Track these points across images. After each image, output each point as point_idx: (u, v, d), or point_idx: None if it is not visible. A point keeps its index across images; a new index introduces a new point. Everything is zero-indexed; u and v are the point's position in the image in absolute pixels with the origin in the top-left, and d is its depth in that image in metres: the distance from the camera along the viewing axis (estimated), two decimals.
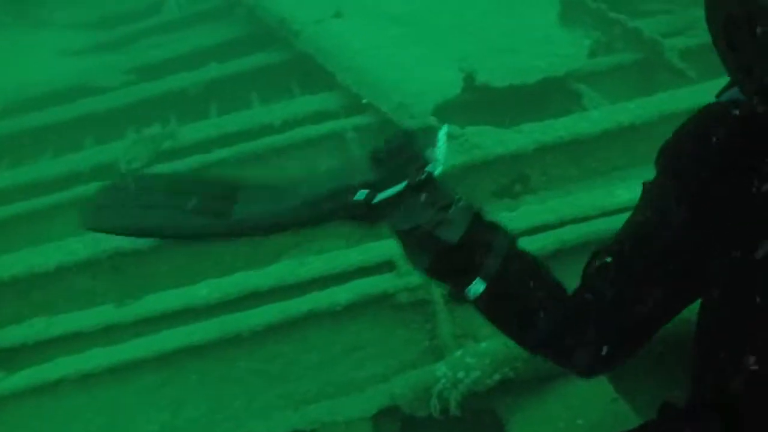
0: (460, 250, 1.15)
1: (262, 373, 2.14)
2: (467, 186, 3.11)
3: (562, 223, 2.40)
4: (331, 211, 1.15)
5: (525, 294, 1.22)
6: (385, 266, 2.29)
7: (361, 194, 1.13)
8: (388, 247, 2.29)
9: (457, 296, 1.22)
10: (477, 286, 1.17)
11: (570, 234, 2.29)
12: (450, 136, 3.20)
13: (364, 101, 3.58)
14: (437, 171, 1.18)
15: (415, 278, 2.16)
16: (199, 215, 1.19)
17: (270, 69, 4.28)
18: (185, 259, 2.84)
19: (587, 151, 3.13)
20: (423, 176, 1.15)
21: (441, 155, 1.19)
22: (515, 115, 3.56)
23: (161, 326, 2.17)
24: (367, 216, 1.15)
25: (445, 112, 3.41)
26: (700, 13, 3.68)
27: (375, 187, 1.14)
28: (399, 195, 1.14)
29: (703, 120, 1.24)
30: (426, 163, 1.17)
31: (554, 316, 1.22)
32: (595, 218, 2.42)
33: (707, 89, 3.30)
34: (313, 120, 3.69)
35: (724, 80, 3.30)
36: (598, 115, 3.15)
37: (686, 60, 3.82)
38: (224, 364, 2.11)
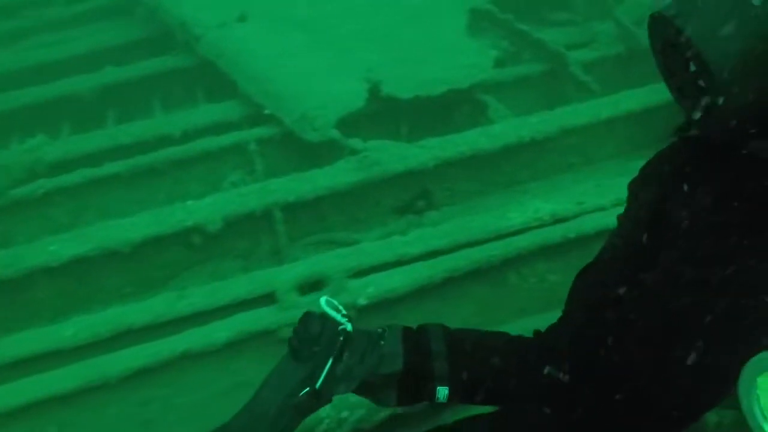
0: (409, 374, 1.22)
1: (134, 418, 1.97)
2: (369, 203, 3.02)
3: (455, 248, 2.33)
4: (290, 420, 1.20)
5: (487, 370, 1.24)
6: (268, 298, 2.17)
7: (303, 392, 1.20)
8: (271, 277, 2.16)
9: (436, 406, 1.29)
10: (442, 392, 1.23)
11: (461, 260, 2.22)
12: (352, 151, 3.14)
13: (266, 112, 3.42)
14: (349, 327, 1.24)
15: (297, 312, 2.05)
16: None
17: (173, 74, 4.03)
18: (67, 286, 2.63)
19: (489, 166, 3.09)
20: (341, 340, 1.21)
21: (341, 317, 1.25)
22: (421, 127, 3.50)
23: (19, 373, 1.96)
24: (320, 401, 1.21)
25: (349, 124, 3.29)
26: (601, 26, 3.70)
27: (310, 379, 1.20)
28: (332, 370, 1.20)
29: (670, 146, 1.26)
30: (336, 329, 1.23)
31: (523, 373, 1.25)
32: (489, 241, 2.37)
33: (605, 104, 3.38)
34: (215, 130, 3.50)
35: (624, 93, 3.26)
36: (500, 130, 3.11)
37: (589, 72, 3.85)
38: (92, 413, 1.93)
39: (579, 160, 3.34)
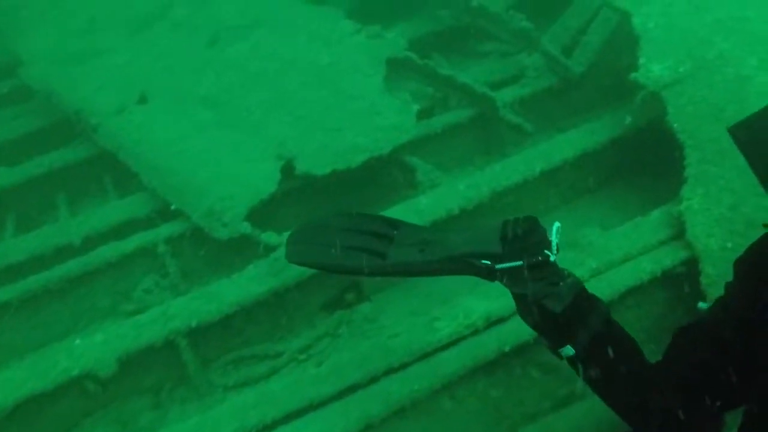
0: (560, 319, 1.41)
1: None
2: (291, 306, 2.63)
3: (374, 379, 1.94)
4: (463, 267, 1.50)
5: (608, 366, 1.42)
6: None
7: (486, 261, 1.46)
8: None
9: (553, 352, 1.48)
10: (567, 351, 1.43)
11: (380, 402, 1.83)
12: (266, 247, 2.74)
13: (172, 207, 3.01)
14: (552, 258, 1.47)
15: None
16: (364, 253, 1.57)
17: (77, 167, 3.59)
18: None
19: None
20: (539, 259, 1.45)
21: (555, 247, 1.49)
22: (343, 202, 3.12)
23: None
24: (488, 277, 1.50)
25: (263, 212, 2.90)
26: (529, 59, 3.32)
27: (498, 259, 1.47)
28: (514, 269, 1.45)
29: None
30: (541, 251, 1.46)
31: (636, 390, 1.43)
32: (415, 363, 1.98)
33: (538, 155, 3.02)
34: (122, 231, 3.07)
35: (557, 139, 2.93)
36: (426, 203, 2.74)
37: (522, 109, 3.50)
38: None
39: None
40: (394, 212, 2.72)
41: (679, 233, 2.30)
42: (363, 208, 3.14)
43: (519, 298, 1.46)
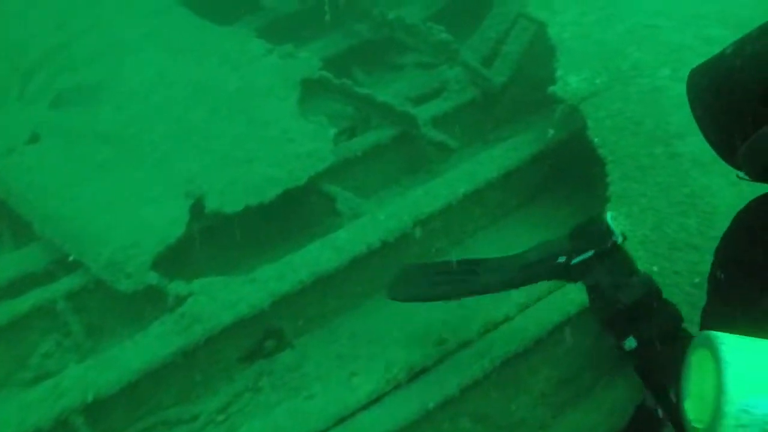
0: (627, 311, 1.47)
1: None
2: (204, 363, 2.39)
3: None
4: (543, 272, 1.70)
5: (667, 366, 1.37)
6: None
7: (561, 258, 1.63)
8: None
9: (616, 347, 1.50)
10: (630, 343, 1.46)
11: None
12: (176, 298, 2.49)
13: (71, 258, 2.72)
14: (619, 240, 1.60)
15: None
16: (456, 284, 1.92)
17: None
18: None
19: (340, 284, 2.52)
20: (608, 245, 1.58)
21: (617, 231, 1.61)
22: (260, 238, 2.90)
23: None
24: (567, 275, 1.64)
25: (171, 257, 2.65)
26: (450, 72, 3.16)
27: (572, 254, 1.62)
28: (589, 259, 1.58)
29: None
30: (608, 237, 1.60)
31: None
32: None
33: (461, 177, 2.87)
34: (14, 289, 2.76)
35: (481, 157, 2.87)
36: (345, 239, 2.54)
37: (445, 126, 3.36)
38: None
39: (446, 242, 2.84)
40: (312, 249, 2.53)
41: None
42: (282, 242, 2.94)
43: (592, 290, 1.54)
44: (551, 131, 2.88)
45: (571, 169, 2.96)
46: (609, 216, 1.64)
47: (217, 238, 2.88)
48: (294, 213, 3.02)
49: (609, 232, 1.58)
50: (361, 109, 3.47)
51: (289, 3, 4.15)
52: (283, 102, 3.20)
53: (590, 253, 1.56)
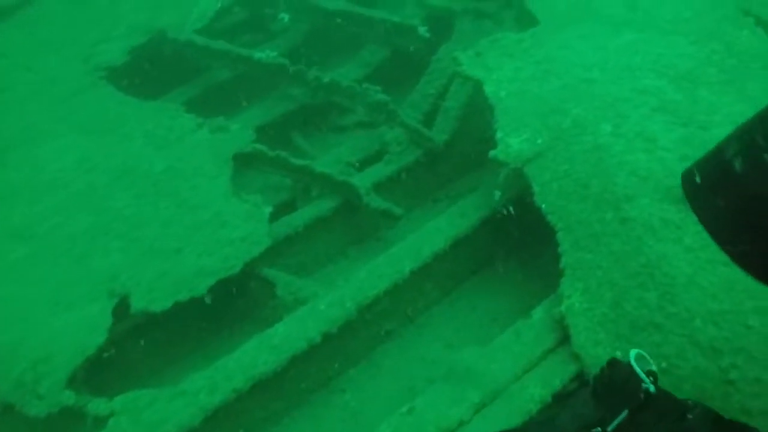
0: None
1: None
2: None
3: None
4: None
5: None
6: None
7: (594, 430, 1.35)
8: None
9: None
10: None
11: None
12: (96, 420, 2.19)
13: None
14: (651, 389, 1.36)
15: None
16: None
17: None
18: None
19: (279, 386, 2.26)
20: (641, 398, 1.34)
21: (648, 379, 1.38)
22: (195, 332, 2.64)
23: None
24: None
25: (93, 371, 2.35)
26: (391, 133, 2.95)
27: (605, 419, 1.34)
28: (625, 422, 1.33)
29: None
30: (638, 387, 1.36)
31: None
32: None
33: (405, 253, 2.60)
34: None
35: (427, 228, 2.68)
36: (283, 334, 2.29)
37: (389, 192, 3.17)
38: None
39: (396, 323, 2.61)
40: (247, 350, 2.26)
41: (564, 337, 1.99)
42: (216, 336, 2.68)
43: None
44: (498, 193, 2.71)
45: (524, 229, 2.80)
46: (633, 356, 1.41)
47: (147, 337, 2.60)
48: (232, 301, 2.77)
49: (637, 379, 1.36)
50: (300, 180, 3.26)
51: (222, 70, 3.97)
52: (215, 181, 2.97)
53: (624, 413, 1.33)
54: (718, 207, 1.21)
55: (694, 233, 1.98)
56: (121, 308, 2.48)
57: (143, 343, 2.57)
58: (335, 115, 3.93)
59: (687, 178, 1.33)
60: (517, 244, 2.86)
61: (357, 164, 3.43)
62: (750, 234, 1.16)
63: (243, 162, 3.15)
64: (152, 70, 3.91)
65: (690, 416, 1.31)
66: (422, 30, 3.89)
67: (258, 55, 3.76)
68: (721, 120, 2.38)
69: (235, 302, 2.74)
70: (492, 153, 2.50)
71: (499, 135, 2.54)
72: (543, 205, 2.28)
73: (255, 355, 2.22)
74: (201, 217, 2.79)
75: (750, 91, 2.50)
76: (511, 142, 2.49)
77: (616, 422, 1.33)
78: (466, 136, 3.37)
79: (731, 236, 1.20)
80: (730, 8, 3.00)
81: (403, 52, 3.99)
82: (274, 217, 2.99)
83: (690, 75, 2.61)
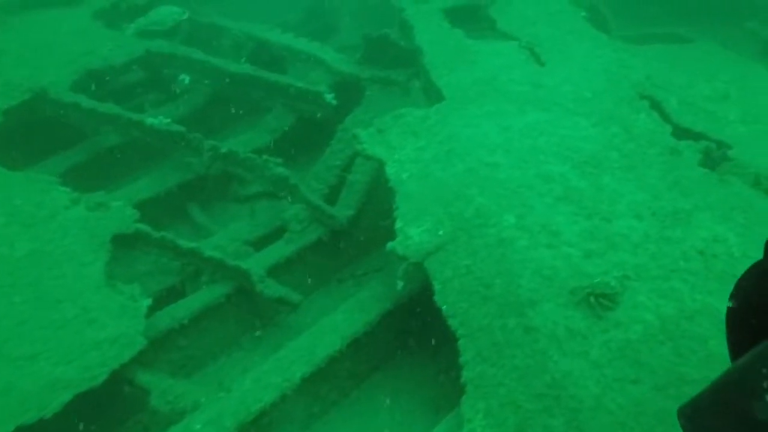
0: None
1: None
2: None
3: None
4: None
5: None
6: None
7: None
8: None
9: None
10: None
11: None
12: None
13: None
14: None
15: None
16: None
17: None
18: None
19: None
20: None
21: None
22: None
23: None
24: None
25: None
26: (292, 210, 2.38)
27: None
28: None
29: None
30: None
31: None
32: None
33: (296, 355, 2.08)
34: None
35: (319, 326, 2.34)
36: None
37: (287, 275, 2.89)
38: None
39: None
40: None
41: None
42: None
43: None
44: (400, 283, 2.47)
45: (433, 314, 2.57)
46: None
47: None
48: (102, 409, 2.36)
49: None
50: (191, 262, 2.91)
51: (110, 135, 3.59)
52: (87, 268, 2.57)
53: None
54: None
55: (600, 344, 1.80)
56: None
57: None
58: (237, 185, 3.63)
59: (693, 420, 1.07)
60: (424, 329, 2.63)
61: (256, 242, 3.14)
62: None
63: (124, 244, 2.78)
64: (28, 133, 3.49)
65: None
66: (329, 97, 3.70)
67: (150, 120, 3.43)
68: (623, 210, 2.26)
69: (100, 416, 2.34)
70: (390, 245, 2.27)
71: (398, 224, 2.32)
72: (444, 307, 2.06)
73: None
74: (64, 314, 2.38)
75: (649, 179, 2.41)
76: (412, 233, 2.27)
77: None
78: (372, 210, 3.15)
79: None
80: (627, 90, 2.97)
81: (310, 118, 3.78)
82: (159, 305, 2.64)
83: (593, 160, 2.50)
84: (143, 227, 2.80)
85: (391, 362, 2.58)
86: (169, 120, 3.45)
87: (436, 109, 2.88)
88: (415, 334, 2.61)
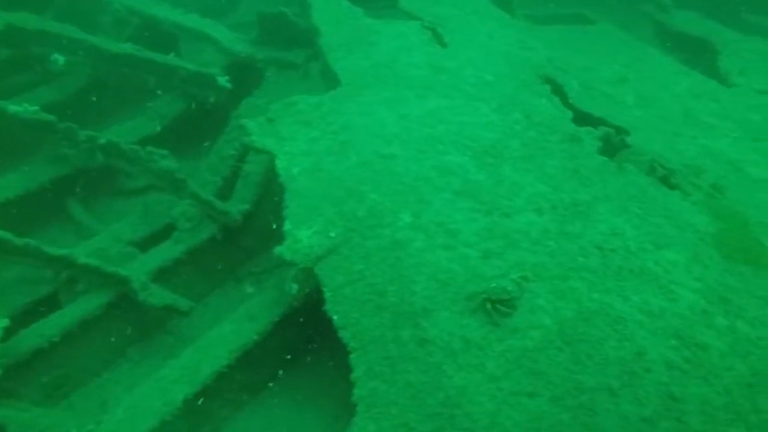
0: None
1: None
2: None
3: None
4: None
5: None
6: None
7: None
8: None
9: None
10: None
11: None
12: None
13: None
14: None
15: None
16: None
17: None
18: None
19: None
20: None
21: None
22: None
23: None
24: None
25: None
26: (181, 207, 2.01)
27: None
28: None
29: None
30: None
31: None
32: None
33: (181, 373, 1.72)
34: None
35: (210, 331, 2.27)
36: None
37: (177, 278, 2.62)
38: None
39: None
40: None
41: None
42: None
43: None
44: (295, 286, 2.27)
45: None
46: None
47: None
48: None
49: None
50: (62, 271, 2.58)
51: None
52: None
53: None
54: None
55: (497, 355, 1.68)
56: None
57: None
58: (124, 177, 3.27)
59: None
60: (329, 329, 2.45)
61: (142, 242, 2.83)
62: None
63: None
64: None
65: None
66: (222, 80, 3.38)
67: (13, 108, 2.99)
68: (523, 204, 2.14)
69: None
70: (278, 249, 2.05)
71: (287, 226, 2.10)
72: (335, 317, 1.87)
73: None
74: None
75: (549, 169, 2.31)
76: (301, 236, 2.05)
77: None
78: (271, 202, 2.91)
79: None
80: (529, 73, 2.85)
81: (202, 103, 3.45)
82: (27, 321, 2.31)
83: (493, 149, 2.37)
84: (4, 234, 2.44)
85: (290, 369, 2.39)
86: (36, 108, 3.02)
87: (331, 96, 2.65)
88: (318, 336, 2.42)
